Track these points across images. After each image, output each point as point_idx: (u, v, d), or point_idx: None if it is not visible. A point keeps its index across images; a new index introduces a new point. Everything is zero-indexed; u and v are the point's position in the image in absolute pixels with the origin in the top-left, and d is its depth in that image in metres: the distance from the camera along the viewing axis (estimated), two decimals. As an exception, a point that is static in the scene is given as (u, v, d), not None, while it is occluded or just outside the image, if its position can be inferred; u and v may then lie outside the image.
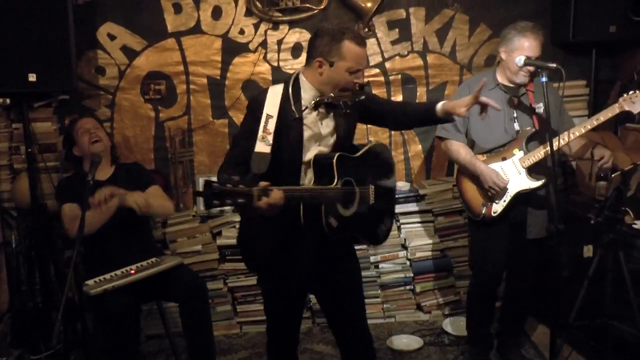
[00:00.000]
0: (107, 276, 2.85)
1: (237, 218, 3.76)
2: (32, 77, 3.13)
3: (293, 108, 2.28)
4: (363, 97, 2.37)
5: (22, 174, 3.41)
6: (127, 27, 3.64)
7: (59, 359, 3.24)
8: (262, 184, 2.01)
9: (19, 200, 3.43)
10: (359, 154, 2.44)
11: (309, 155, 2.32)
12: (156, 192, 3.17)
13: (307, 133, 2.31)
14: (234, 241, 3.74)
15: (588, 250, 3.13)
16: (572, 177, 3.81)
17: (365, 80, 2.35)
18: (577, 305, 2.81)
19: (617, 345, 2.89)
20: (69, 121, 3.33)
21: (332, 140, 2.38)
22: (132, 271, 2.91)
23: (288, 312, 2.49)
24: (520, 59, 2.82)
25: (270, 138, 2.20)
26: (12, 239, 3.43)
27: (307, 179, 2.32)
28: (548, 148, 2.87)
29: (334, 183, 2.26)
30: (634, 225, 2.99)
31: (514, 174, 2.94)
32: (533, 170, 2.95)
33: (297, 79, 2.34)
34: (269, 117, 2.23)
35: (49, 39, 3.14)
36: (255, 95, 2.38)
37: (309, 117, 2.32)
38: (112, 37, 3.64)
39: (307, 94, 2.31)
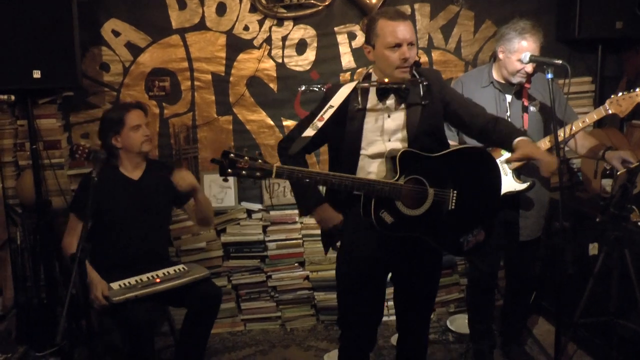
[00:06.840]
0: (132, 281, 2.76)
1: (241, 215, 3.77)
2: (37, 74, 3.13)
3: (359, 99, 2.33)
4: (424, 82, 2.31)
5: (26, 171, 3.42)
6: (132, 24, 3.63)
7: (64, 355, 3.24)
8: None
9: (23, 197, 3.44)
10: (439, 153, 2.31)
11: (373, 148, 2.33)
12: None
13: (369, 125, 2.33)
14: (238, 238, 3.75)
15: (593, 248, 3.12)
16: (577, 174, 3.79)
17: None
18: (582, 303, 2.80)
19: (622, 343, 2.89)
20: (115, 107, 3.31)
21: (402, 135, 2.33)
22: (158, 279, 2.79)
23: (357, 297, 2.45)
24: (525, 56, 2.80)
25: (319, 124, 2.24)
26: (17, 236, 3.43)
27: (376, 172, 2.32)
28: None
29: (395, 178, 2.23)
30: (639, 223, 2.98)
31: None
32: (522, 172, 2.92)
33: (369, 73, 2.41)
34: (330, 107, 2.28)
35: (54, 36, 3.14)
36: (333, 84, 2.46)
37: (374, 109, 2.34)
38: (116, 34, 3.63)
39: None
